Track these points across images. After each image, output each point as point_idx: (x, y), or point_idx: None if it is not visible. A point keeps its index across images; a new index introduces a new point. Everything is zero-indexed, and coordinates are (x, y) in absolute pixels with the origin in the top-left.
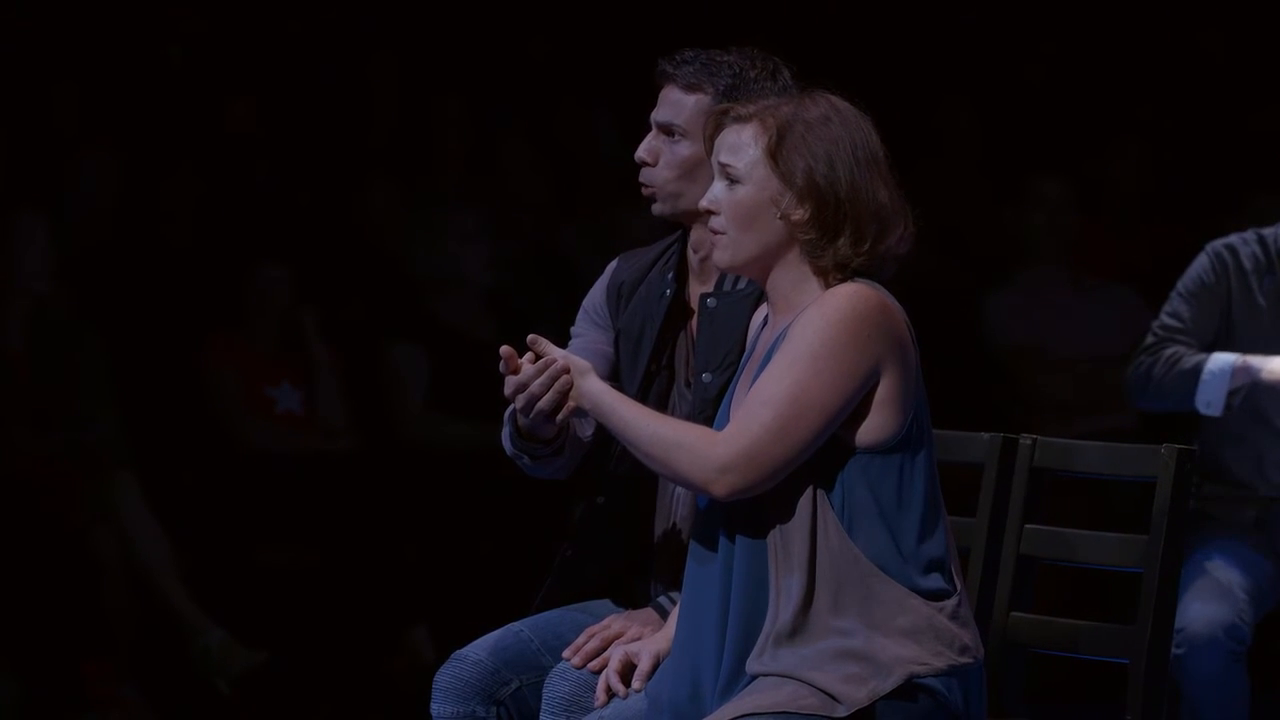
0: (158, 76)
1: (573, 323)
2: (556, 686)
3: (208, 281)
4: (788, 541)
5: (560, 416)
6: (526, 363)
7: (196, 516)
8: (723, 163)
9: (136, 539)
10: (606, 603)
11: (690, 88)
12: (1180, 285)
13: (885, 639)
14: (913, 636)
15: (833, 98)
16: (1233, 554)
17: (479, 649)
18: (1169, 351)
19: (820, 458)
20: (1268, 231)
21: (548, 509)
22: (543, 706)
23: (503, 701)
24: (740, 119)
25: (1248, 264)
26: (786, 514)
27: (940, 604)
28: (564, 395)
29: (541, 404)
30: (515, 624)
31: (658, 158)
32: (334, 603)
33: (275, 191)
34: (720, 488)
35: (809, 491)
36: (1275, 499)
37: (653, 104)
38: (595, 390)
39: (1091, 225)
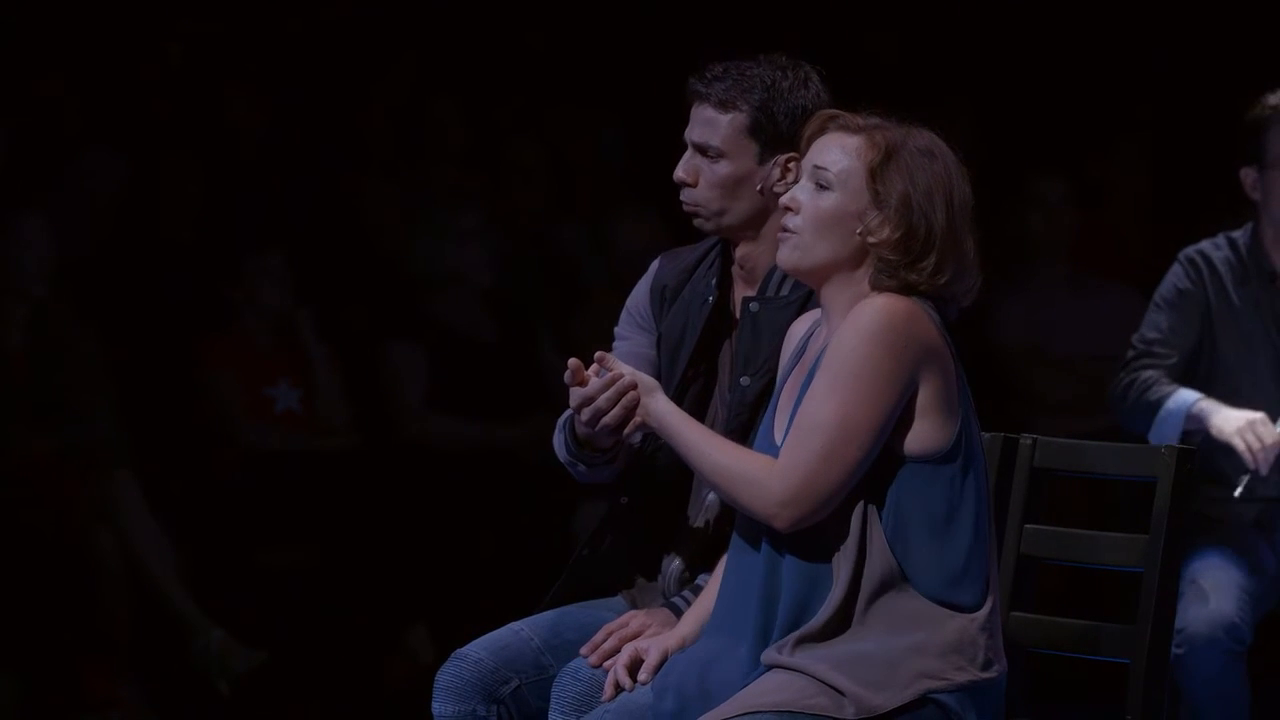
0: (157, 75)
1: (572, 322)
2: (568, 686)
3: (206, 282)
4: (844, 550)
5: (626, 432)
6: (593, 375)
7: (196, 516)
8: (817, 165)
9: (136, 539)
10: (606, 601)
11: (724, 106)
12: (1158, 296)
13: (909, 648)
14: (937, 649)
15: (934, 135)
16: (1232, 554)
17: (479, 648)
18: (1144, 376)
19: (873, 469)
20: (1237, 235)
21: (548, 508)
22: (552, 705)
23: (503, 700)
24: (847, 128)
25: (1221, 268)
26: (841, 524)
27: (974, 615)
28: (630, 411)
29: (607, 419)
30: (516, 623)
31: (697, 177)
32: (334, 602)
33: (274, 191)
34: (782, 522)
35: (861, 501)
36: (1274, 499)
37: (653, 105)
38: (662, 410)
39: (1091, 225)
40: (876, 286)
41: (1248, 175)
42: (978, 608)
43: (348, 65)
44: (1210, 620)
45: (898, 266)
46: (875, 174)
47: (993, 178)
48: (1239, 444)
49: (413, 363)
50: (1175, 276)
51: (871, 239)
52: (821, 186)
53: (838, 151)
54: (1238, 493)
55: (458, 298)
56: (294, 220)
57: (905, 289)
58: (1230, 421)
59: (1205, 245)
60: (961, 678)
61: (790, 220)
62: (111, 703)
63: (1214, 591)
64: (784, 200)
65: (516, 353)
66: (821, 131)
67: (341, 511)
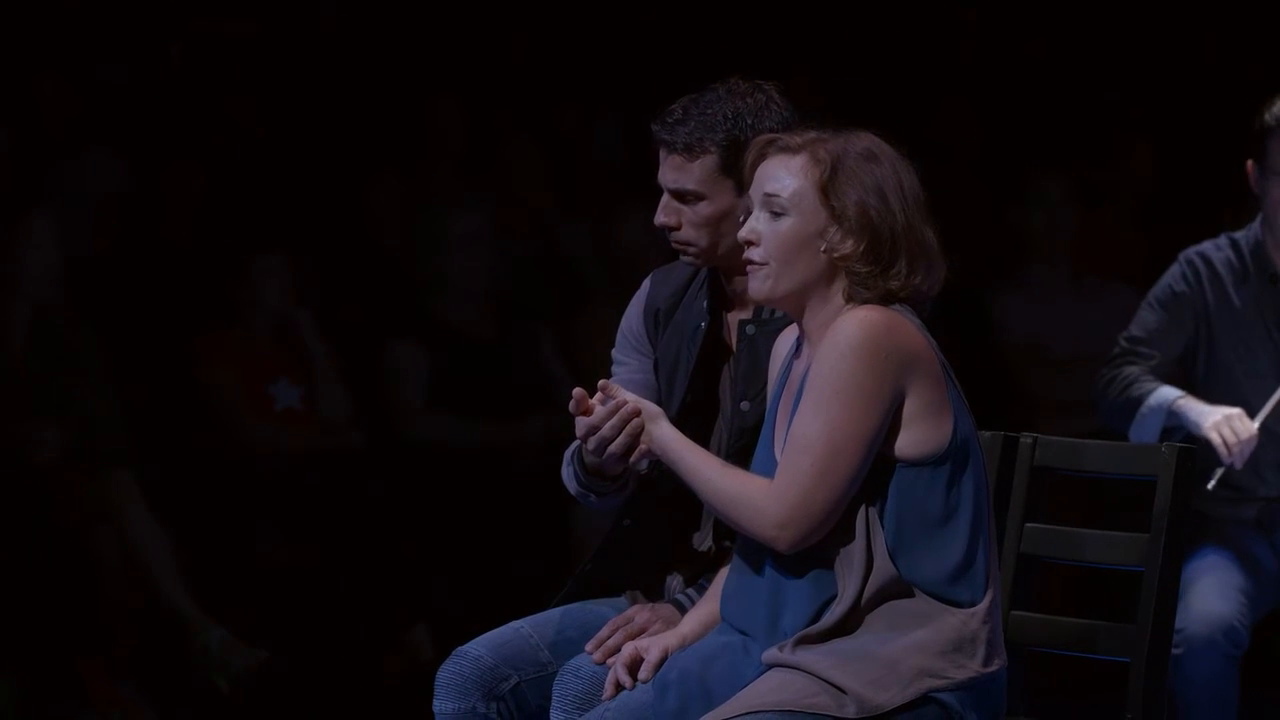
0: (158, 75)
1: (573, 322)
2: (569, 684)
3: (208, 281)
4: (850, 558)
5: (633, 459)
6: (597, 404)
7: (196, 515)
8: (768, 193)
9: (136, 538)
10: (608, 600)
11: (691, 151)
12: (1152, 294)
13: (910, 647)
14: (937, 647)
15: (873, 136)
16: (1232, 555)
17: (479, 645)
18: (1126, 372)
19: (870, 475)
20: (1240, 235)
21: (547, 507)
22: (554, 703)
23: (502, 697)
24: (788, 150)
25: (1222, 269)
26: (845, 532)
27: (973, 610)
28: (635, 439)
29: (613, 447)
30: (516, 621)
31: (680, 220)
32: (334, 601)
33: (276, 190)
34: (782, 543)
35: (862, 507)
36: (1273, 499)
37: (653, 103)
38: (665, 437)
39: (1093, 224)
40: (852, 299)
41: (1253, 169)
42: (976, 603)
43: (349, 65)
44: (1209, 622)
45: (871, 277)
46: (826, 190)
47: (994, 177)
48: (1215, 438)
49: (414, 362)
50: (1171, 277)
51: (838, 254)
52: (776, 213)
53: (784, 175)
54: (1210, 485)
55: (459, 297)
56: (295, 219)
57: (885, 298)
58: (1208, 416)
59: (1206, 246)
60: (962, 675)
61: (754, 253)
62: (112, 702)
63: (1213, 593)
64: (742, 235)
65: (517, 352)
66: (762, 158)
67: (342, 510)
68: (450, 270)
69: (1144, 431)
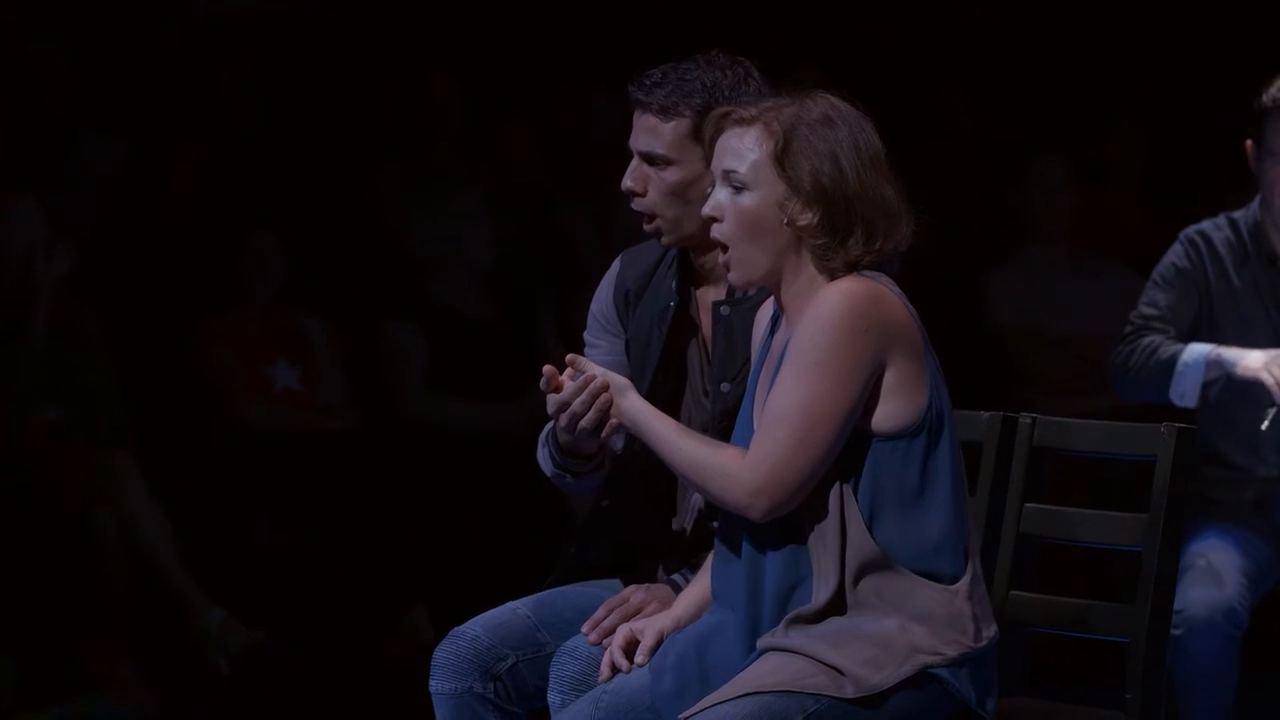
0: (157, 56)
1: (570, 304)
2: (566, 665)
3: (207, 262)
4: (823, 533)
5: (604, 434)
6: (567, 380)
7: (195, 495)
8: (726, 169)
9: (136, 519)
10: (605, 581)
11: (666, 113)
12: (1156, 274)
13: (902, 625)
14: (928, 624)
15: (832, 98)
16: (1231, 536)
17: (476, 626)
18: (1146, 341)
19: (844, 449)
20: (1239, 215)
21: (546, 488)
22: (550, 685)
23: (499, 677)
24: (742, 122)
25: (1221, 249)
26: (818, 507)
27: (956, 586)
28: (605, 413)
29: (584, 422)
30: (513, 602)
31: (646, 186)
32: (333, 582)
33: (274, 171)
34: (755, 512)
35: (836, 483)
36: (1273, 479)
37: None
38: (635, 408)
39: (1091, 205)
40: (827, 274)
41: (1251, 149)
42: (959, 576)
43: (348, 44)
44: (1210, 603)
45: (829, 249)
46: (781, 160)
47: (992, 158)
48: (1266, 378)
49: (412, 343)
50: (1174, 255)
51: (800, 223)
52: (737, 188)
53: (740, 149)
54: (1265, 425)
55: (457, 278)
56: (294, 200)
57: (850, 267)
58: (1254, 358)
59: (1206, 225)
60: (955, 650)
61: (717, 230)
62: (111, 682)
63: (1214, 574)
64: (706, 210)
65: (516, 333)
66: (719, 132)
67: (341, 491)
68: (450, 250)
69: (1183, 387)
